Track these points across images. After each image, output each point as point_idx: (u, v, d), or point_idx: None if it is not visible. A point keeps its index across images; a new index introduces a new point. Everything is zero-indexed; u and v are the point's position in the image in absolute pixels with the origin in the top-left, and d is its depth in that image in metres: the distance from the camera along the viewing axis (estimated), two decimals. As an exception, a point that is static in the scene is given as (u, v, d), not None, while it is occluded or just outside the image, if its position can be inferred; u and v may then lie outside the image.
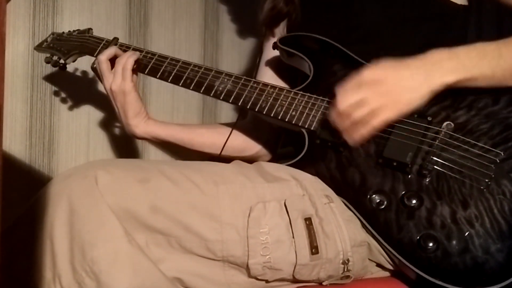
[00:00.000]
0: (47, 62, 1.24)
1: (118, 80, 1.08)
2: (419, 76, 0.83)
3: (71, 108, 1.49)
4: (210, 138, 1.21)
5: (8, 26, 1.37)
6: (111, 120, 1.52)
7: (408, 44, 1.03)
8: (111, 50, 1.11)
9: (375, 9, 1.06)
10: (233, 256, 0.82)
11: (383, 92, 0.83)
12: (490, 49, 0.85)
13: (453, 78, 0.84)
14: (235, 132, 1.19)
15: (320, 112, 0.96)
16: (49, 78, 1.44)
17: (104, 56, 1.09)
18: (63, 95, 1.47)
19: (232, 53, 1.74)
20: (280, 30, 1.22)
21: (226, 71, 1.06)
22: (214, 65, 1.71)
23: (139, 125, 1.13)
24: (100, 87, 1.14)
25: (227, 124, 1.26)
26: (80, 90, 1.50)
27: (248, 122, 1.27)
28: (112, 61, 1.11)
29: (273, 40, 1.17)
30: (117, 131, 1.53)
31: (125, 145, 1.55)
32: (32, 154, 1.43)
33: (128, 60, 1.09)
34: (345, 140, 0.88)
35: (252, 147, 1.24)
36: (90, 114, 1.52)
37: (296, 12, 1.16)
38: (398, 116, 0.85)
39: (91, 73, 1.43)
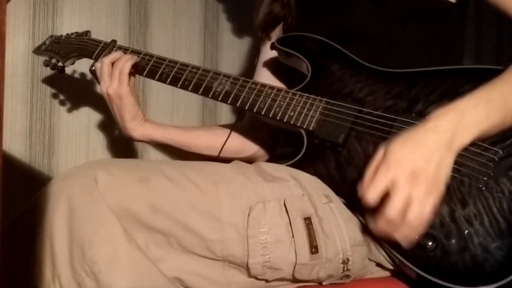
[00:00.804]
0: (46, 65, 1.25)
1: (115, 84, 1.08)
2: (441, 150, 0.78)
3: (71, 108, 1.49)
4: (208, 140, 1.21)
5: (8, 26, 1.37)
6: (111, 120, 1.51)
7: (404, 43, 1.03)
8: (116, 54, 1.11)
9: (370, 10, 1.06)
10: (233, 256, 0.82)
11: (424, 180, 0.77)
12: (495, 95, 0.82)
13: (468, 139, 0.80)
14: (232, 133, 1.19)
15: (318, 112, 0.96)
16: (49, 78, 1.45)
17: (108, 59, 1.10)
18: (63, 95, 1.48)
19: (232, 53, 1.74)
20: (277, 33, 1.22)
21: (224, 72, 1.06)
22: (214, 65, 1.71)
23: (136, 128, 1.14)
24: (100, 89, 1.14)
25: (225, 126, 1.26)
26: (80, 90, 1.50)
27: (246, 123, 1.27)
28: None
29: (269, 43, 1.17)
30: (117, 131, 1.53)
31: (125, 145, 1.55)
32: (32, 154, 1.43)
33: (125, 64, 1.09)
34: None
35: (249, 148, 1.25)
36: (90, 114, 1.52)
37: (292, 15, 1.16)
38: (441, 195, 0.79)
39: (90, 75, 1.44)
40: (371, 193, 0.77)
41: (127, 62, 1.09)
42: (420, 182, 0.76)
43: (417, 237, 0.79)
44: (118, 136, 1.54)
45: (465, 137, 0.80)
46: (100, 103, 1.50)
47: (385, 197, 0.77)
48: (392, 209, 0.76)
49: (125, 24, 1.55)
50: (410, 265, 0.83)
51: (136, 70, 1.12)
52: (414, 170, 0.76)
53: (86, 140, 1.51)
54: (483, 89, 0.82)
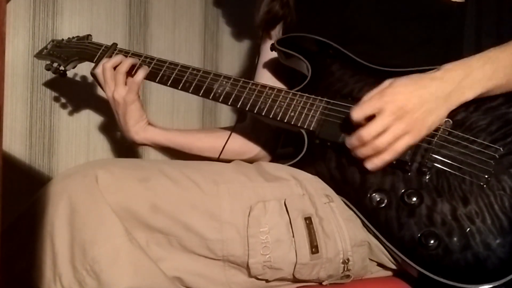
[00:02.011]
0: (48, 69, 1.25)
1: (121, 89, 1.08)
2: (439, 99, 0.84)
3: (71, 108, 1.49)
4: (209, 142, 1.21)
5: (8, 26, 1.37)
6: (111, 120, 1.51)
7: (404, 43, 1.03)
8: (117, 58, 1.11)
9: (370, 9, 1.06)
10: (233, 256, 0.82)
11: (407, 120, 0.83)
12: (503, 56, 0.86)
13: (470, 95, 0.85)
14: (233, 135, 1.19)
15: (319, 112, 0.96)
16: (49, 79, 1.45)
17: (110, 64, 1.09)
18: (63, 95, 1.48)
19: (232, 54, 1.74)
20: (276, 33, 1.22)
21: (225, 73, 1.06)
22: (214, 65, 1.71)
23: (138, 132, 1.14)
24: (100, 89, 1.14)
25: (226, 128, 1.27)
26: (80, 91, 1.50)
27: (247, 125, 1.27)
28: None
29: (270, 42, 1.17)
30: (117, 131, 1.53)
31: (125, 146, 1.55)
32: (32, 154, 1.43)
33: (139, 74, 1.09)
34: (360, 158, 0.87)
35: (250, 150, 1.25)
36: (90, 115, 1.52)
37: (291, 14, 1.17)
38: (420, 139, 0.85)
39: (90, 76, 1.44)
40: (358, 111, 0.85)
41: (140, 73, 1.09)
42: (403, 119, 0.82)
43: (381, 165, 0.85)
44: (118, 136, 1.54)
45: (467, 93, 0.84)
46: (100, 104, 1.50)
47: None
48: (367, 130, 0.83)
49: (125, 24, 1.55)
50: (412, 264, 0.83)
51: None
52: (403, 107, 0.82)
53: (86, 140, 1.51)
54: (493, 50, 0.86)
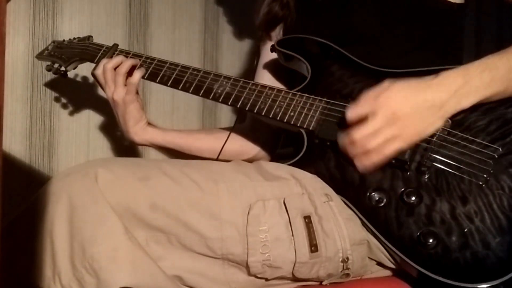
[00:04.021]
0: (49, 70, 1.26)
1: (120, 91, 1.09)
2: (433, 107, 0.83)
3: (71, 108, 1.49)
4: (208, 143, 1.21)
5: (8, 26, 1.37)
6: (111, 120, 1.52)
7: (404, 43, 1.03)
8: (118, 59, 1.11)
9: (369, 10, 1.06)
10: (233, 254, 0.82)
11: (399, 125, 0.83)
12: (501, 64, 0.85)
13: (467, 104, 0.84)
14: (233, 136, 1.19)
15: (318, 112, 0.96)
16: (49, 79, 1.45)
17: (110, 65, 1.10)
18: (63, 95, 1.48)
19: (232, 53, 1.74)
20: (277, 34, 1.23)
21: (225, 74, 1.07)
22: (214, 65, 1.71)
23: (138, 132, 1.15)
24: (100, 89, 1.14)
25: (226, 129, 1.27)
26: (80, 91, 1.50)
27: (246, 125, 1.28)
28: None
29: (270, 43, 1.18)
30: (117, 131, 1.53)
31: (125, 146, 1.55)
32: (32, 154, 1.43)
33: (135, 75, 1.10)
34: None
35: (249, 150, 1.25)
36: (90, 115, 1.52)
37: (291, 15, 1.17)
38: (411, 144, 0.85)
39: (91, 76, 1.44)
40: (352, 111, 0.86)
41: (136, 74, 1.10)
42: (395, 124, 0.82)
43: (369, 165, 0.85)
44: (118, 136, 1.54)
45: (464, 101, 0.84)
46: (100, 104, 1.50)
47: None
48: (358, 132, 0.84)
49: (125, 24, 1.55)
50: (411, 263, 0.83)
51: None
52: (396, 112, 0.82)
53: (86, 140, 1.52)
54: (491, 57, 0.86)
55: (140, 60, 1.13)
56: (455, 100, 0.83)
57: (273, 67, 1.22)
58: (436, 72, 0.92)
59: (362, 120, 0.85)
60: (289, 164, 0.96)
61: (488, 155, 0.84)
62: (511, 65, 0.85)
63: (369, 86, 0.95)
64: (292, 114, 0.98)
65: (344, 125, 0.88)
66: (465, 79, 0.83)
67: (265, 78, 1.21)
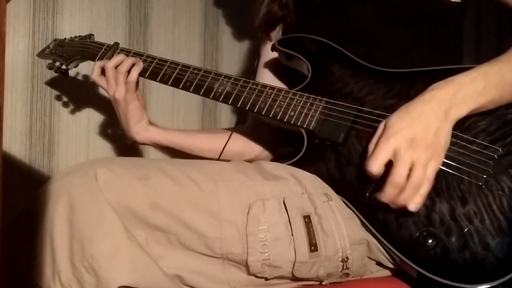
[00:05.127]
0: (50, 68, 1.26)
1: (121, 89, 1.09)
2: (439, 117, 0.82)
3: (71, 108, 1.49)
4: (209, 143, 1.22)
5: (8, 26, 1.37)
6: (111, 120, 1.52)
7: (404, 43, 1.03)
8: (119, 58, 1.11)
9: (368, 9, 1.06)
10: (232, 253, 0.82)
11: (423, 147, 0.80)
12: (493, 72, 0.85)
13: (465, 110, 0.83)
14: (234, 137, 1.19)
15: (318, 111, 0.96)
16: (49, 79, 1.45)
17: (111, 63, 1.10)
18: (63, 95, 1.48)
19: (232, 53, 1.74)
20: (276, 34, 1.23)
21: (225, 73, 1.07)
22: (214, 65, 1.71)
23: (139, 131, 1.15)
24: (100, 89, 1.14)
25: (227, 129, 1.27)
26: (80, 90, 1.50)
27: (247, 126, 1.28)
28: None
29: (269, 43, 1.18)
30: (117, 131, 1.53)
31: (125, 145, 1.55)
32: (32, 154, 1.43)
33: (132, 73, 1.10)
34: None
35: (250, 151, 1.25)
36: (90, 114, 1.52)
37: (290, 16, 1.17)
38: (443, 157, 0.83)
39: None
40: (374, 164, 0.81)
41: (134, 71, 1.10)
42: (420, 149, 0.80)
43: (422, 201, 0.81)
44: (118, 136, 1.54)
45: (462, 109, 0.83)
46: (100, 104, 1.50)
47: (387, 168, 0.82)
48: (398, 174, 0.80)
49: (125, 24, 1.55)
50: (411, 263, 0.83)
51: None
52: (413, 138, 0.80)
53: (86, 140, 1.52)
54: (482, 65, 0.86)
55: (141, 59, 1.13)
56: (454, 108, 0.82)
57: (273, 67, 1.22)
58: (436, 72, 0.93)
59: (386, 168, 0.82)
60: (289, 164, 0.96)
61: (488, 155, 0.84)
62: (504, 73, 0.85)
63: (369, 86, 0.96)
64: (292, 113, 0.98)
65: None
66: (455, 88, 0.83)
67: (266, 78, 1.22)
